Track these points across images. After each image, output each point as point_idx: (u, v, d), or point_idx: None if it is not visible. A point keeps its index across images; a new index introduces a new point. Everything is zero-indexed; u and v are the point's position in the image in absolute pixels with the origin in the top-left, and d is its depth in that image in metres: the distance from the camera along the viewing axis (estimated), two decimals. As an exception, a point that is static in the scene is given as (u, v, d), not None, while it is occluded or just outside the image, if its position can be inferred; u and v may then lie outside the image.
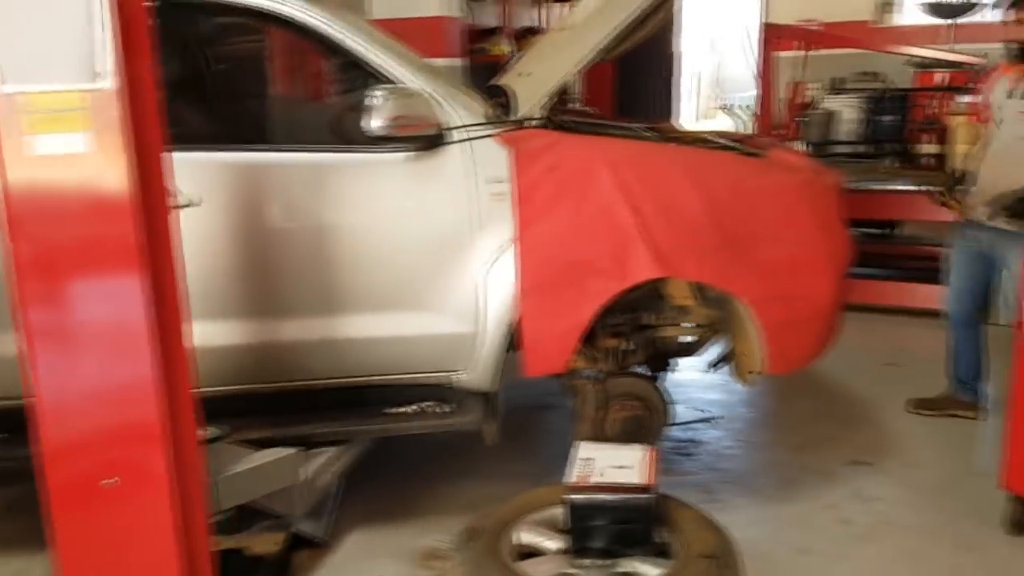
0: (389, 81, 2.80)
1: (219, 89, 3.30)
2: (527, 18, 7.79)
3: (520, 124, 2.93)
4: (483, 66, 6.57)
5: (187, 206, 2.53)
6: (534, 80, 3.14)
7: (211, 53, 3.23)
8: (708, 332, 3.39)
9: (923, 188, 5.13)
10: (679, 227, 2.89)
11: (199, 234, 2.63)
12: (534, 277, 2.85)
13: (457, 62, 6.25)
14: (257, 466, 2.49)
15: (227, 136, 3.04)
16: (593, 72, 7.47)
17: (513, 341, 2.94)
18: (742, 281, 2.97)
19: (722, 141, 3.53)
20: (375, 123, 2.61)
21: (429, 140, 2.79)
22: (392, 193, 2.85)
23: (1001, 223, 3.56)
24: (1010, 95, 3.65)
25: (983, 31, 9.12)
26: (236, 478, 2.43)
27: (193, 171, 2.60)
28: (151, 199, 1.92)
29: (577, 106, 7.20)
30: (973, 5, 8.26)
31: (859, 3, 10.17)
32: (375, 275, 2.85)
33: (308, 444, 2.84)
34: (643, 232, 2.86)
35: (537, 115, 2.96)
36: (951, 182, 3.90)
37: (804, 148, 6.85)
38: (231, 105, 3.38)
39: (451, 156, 2.83)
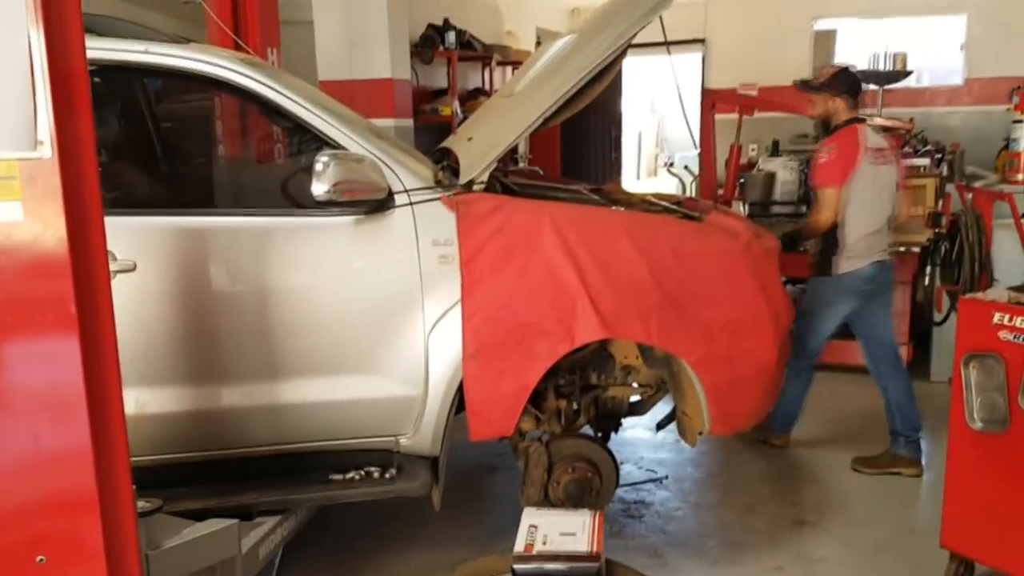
0: (335, 145, 2.81)
1: (161, 152, 3.27)
2: (474, 80, 7.91)
3: (467, 187, 2.96)
4: (432, 127, 6.65)
5: (122, 271, 2.51)
6: (478, 144, 3.18)
7: (154, 116, 3.21)
8: (654, 392, 3.43)
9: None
10: (624, 289, 2.93)
11: (135, 299, 2.60)
12: (480, 339, 2.85)
13: (406, 123, 6.31)
14: (194, 539, 2.41)
15: (169, 199, 3.02)
16: (540, 132, 7.62)
17: (459, 403, 2.93)
18: (686, 342, 3.01)
19: (664, 203, 3.61)
20: (320, 188, 2.61)
21: (376, 203, 2.80)
22: (338, 256, 2.84)
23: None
24: None
25: (912, 97, 9.56)
26: (172, 551, 2.35)
27: (129, 236, 2.57)
28: (90, 266, 1.89)
29: (524, 166, 7.31)
30: (902, 73, 8.64)
31: (797, 68, 10.55)
32: (320, 339, 2.82)
33: (249, 513, 2.76)
34: (589, 293, 2.89)
35: (483, 179, 2.99)
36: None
37: (744, 208, 7.02)
38: (173, 168, 3.35)
39: (398, 219, 2.84)
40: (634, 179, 16.26)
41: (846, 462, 4.08)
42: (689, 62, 10.94)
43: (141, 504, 2.33)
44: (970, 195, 4.63)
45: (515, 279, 2.88)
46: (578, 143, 9.29)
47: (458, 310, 2.84)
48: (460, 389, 2.88)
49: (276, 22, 5.00)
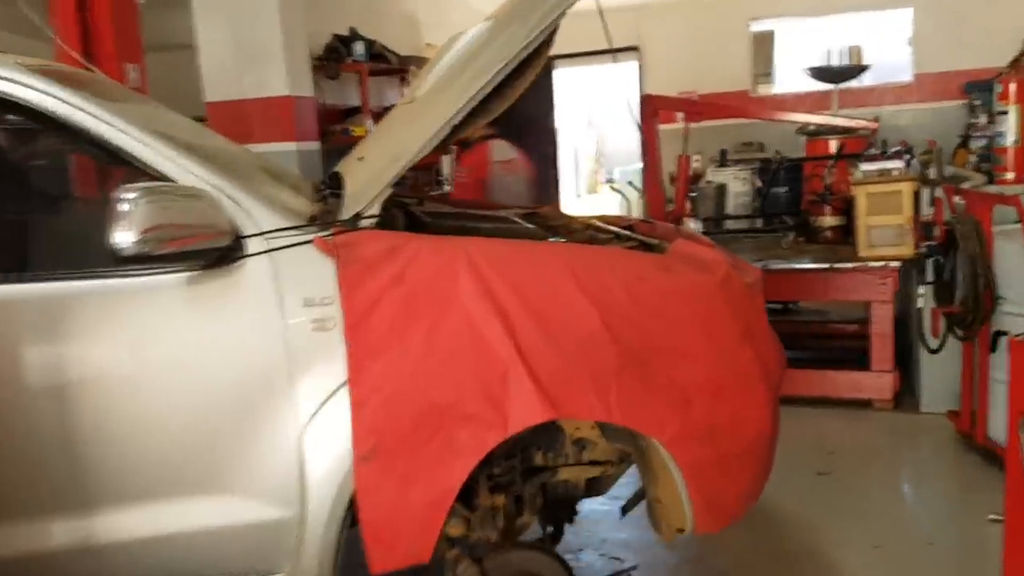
0: (160, 177, 2.02)
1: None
2: (392, 96, 7.16)
3: (352, 223, 2.19)
4: (344, 149, 5.84)
5: None
6: (370, 166, 2.42)
7: None
8: (616, 467, 2.68)
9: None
10: (571, 350, 2.19)
11: None
12: (377, 432, 2.07)
13: (311, 146, 5.54)
14: None
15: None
16: (469, 152, 6.90)
17: (353, 519, 2.14)
18: (656, 414, 2.27)
19: (614, 229, 2.89)
20: (125, 237, 1.82)
21: (218, 254, 2.01)
22: (165, 331, 2.04)
23: None
24: None
25: (860, 97, 9.07)
26: None
27: None
28: None
29: (447, 190, 6.59)
30: (859, 68, 8.10)
31: (735, 73, 10.04)
32: (146, 449, 2.02)
33: None
34: (524, 360, 2.13)
35: (374, 210, 2.22)
36: None
37: (696, 224, 6.38)
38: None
39: (251, 273, 2.06)
40: (574, 198, 15.66)
41: (849, 528, 3.37)
42: (625, 71, 10.37)
43: None
44: (960, 199, 4.00)
45: (423, 345, 2.11)
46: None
47: (345, 394, 2.07)
48: (353, 502, 2.10)
49: (135, 36, 4.25)
